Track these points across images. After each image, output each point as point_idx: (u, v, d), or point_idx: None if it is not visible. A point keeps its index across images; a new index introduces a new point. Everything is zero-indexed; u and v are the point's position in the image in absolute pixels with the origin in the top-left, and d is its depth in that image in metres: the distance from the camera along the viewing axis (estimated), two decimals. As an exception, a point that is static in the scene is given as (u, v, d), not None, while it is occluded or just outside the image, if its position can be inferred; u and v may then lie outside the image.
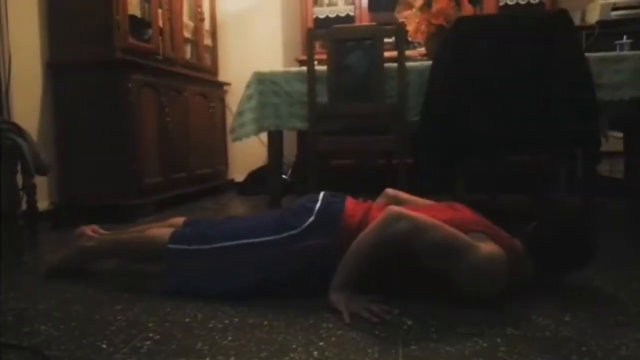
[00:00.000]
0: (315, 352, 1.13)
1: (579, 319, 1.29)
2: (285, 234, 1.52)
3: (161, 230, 1.69)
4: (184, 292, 1.52)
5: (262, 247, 1.52)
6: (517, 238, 1.50)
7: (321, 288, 1.42)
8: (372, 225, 1.40)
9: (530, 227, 1.54)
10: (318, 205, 1.57)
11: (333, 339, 1.20)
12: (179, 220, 1.83)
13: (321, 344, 1.17)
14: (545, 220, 1.56)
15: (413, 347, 1.15)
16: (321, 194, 1.63)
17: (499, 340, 1.17)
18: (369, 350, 1.13)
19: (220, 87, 4.22)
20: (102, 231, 1.84)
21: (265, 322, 1.30)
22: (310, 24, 4.09)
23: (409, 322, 1.28)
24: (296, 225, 1.53)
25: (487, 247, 1.35)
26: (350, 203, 1.60)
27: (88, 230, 1.81)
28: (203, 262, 1.55)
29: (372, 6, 4.13)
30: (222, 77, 4.31)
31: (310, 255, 1.48)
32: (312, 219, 1.53)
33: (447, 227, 1.36)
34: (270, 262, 1.49)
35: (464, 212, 1.53)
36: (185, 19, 3.77)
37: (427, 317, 1.31)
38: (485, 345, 1.15)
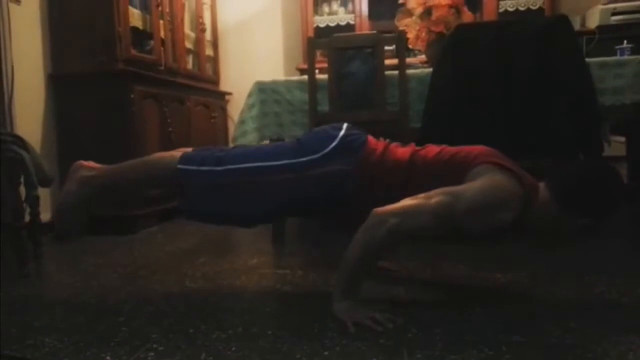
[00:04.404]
0: (320, 362, 1.13)
1: (585, 325, 1.28)
2: (306, 158, 1.47)
3: (170, 152, 1.61)
4: (198, 214, 1.49)
5: (279, 171, 1.46)
6: (542, 182, 1.43)
7: (337, 216, 1.40)
8: (361, 232, 1.33)
9: (557, 171, 1.47)
10: (342, 132, 1.53)
11: (338, 348, 1.19)
12: (189, 149, 1.68)
13: (326, 353, 1.17)
14: (573, 164, 1.51)
15: (418, 355, 1.14)
16: (345, 124, 1.57)
17: (504, 348, 1.16)
18: (374, 360, 1.13)
19: (222, 97, 4.24)
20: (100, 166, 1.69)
21: (270, 332, 1.30)
22: (311, 33, 4.11)
23: (414, 331, 1.28)
24: (318, 149, 1.48)
25: (476, 184, 1.31)
26: (371, 138, 1.56)
27: (86, 163, 1.66)
28: (216, 185, 1.49)
29: (372, 15, 4.16)
30: (224, 87, 4.33)
31: (330, 182, 1.44)
32: (335, 144, 1.49)
33: (429, 195, 1.32)
34: (288, 186, 1.45)
35: (474, 147, 1.45)
36: (187, 30, 3.79)
37: (432, 326, 1.30)
38: (491, 353, 1.14)
